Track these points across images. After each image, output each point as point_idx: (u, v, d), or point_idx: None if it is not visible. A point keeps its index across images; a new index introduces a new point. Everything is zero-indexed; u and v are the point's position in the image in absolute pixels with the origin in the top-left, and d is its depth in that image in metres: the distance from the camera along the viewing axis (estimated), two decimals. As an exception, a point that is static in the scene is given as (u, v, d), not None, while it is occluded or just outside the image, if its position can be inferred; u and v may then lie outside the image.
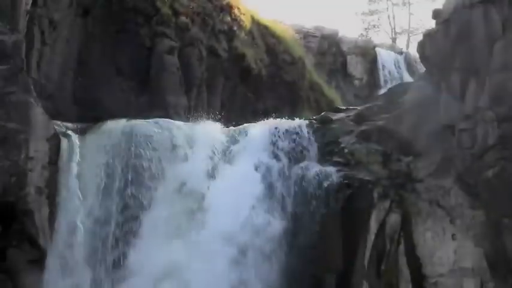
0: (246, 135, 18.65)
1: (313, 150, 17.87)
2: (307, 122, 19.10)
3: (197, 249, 15.98)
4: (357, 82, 43.65)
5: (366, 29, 64.10)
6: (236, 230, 16.19)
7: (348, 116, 19.71)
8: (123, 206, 16.78)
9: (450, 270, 15.44)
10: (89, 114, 20.53)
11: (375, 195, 16.42)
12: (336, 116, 19.79)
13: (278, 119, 19.33)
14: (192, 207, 16.91)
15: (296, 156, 17.70)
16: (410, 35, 62.50)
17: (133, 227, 16.61)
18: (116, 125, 18.03)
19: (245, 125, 19.59)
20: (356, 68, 43.94)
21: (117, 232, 16.52)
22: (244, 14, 28.88)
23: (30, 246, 16.11)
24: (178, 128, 18.51)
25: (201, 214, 16.61)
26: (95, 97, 21.87)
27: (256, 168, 17.41)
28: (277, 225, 16.42)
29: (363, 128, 18.52)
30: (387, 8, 63.67)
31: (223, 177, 17.32)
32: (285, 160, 17.59)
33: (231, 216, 16.29)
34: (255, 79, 28.12)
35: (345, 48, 44.41)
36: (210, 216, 16.44)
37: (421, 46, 18.69)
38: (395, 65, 43.93)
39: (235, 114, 26.37)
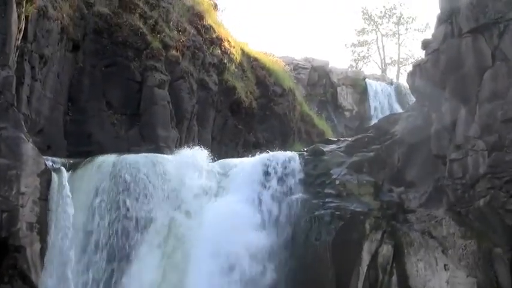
0: (237, 169, 18.63)
1: (305, 182, 17.82)
2: (298, 154, 19.06)
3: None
4: (347, 113, 43.63)
5: (355, 60, 64.62)
6: (223, 272, 16.11)
7: (339, 148, 19.74)
8: (113, 242, 16.68)
9: (443, 301, 15.39)
10: (80, 149, 20.59)
11: (367, 226, 16.37)
12: (327, 148, 19.80)
13: (269, 152, 19.26)
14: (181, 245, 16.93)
15: (287, 188, 17.68)
16: (400, 65, 63.03)
17: (124, 263, 16.52)
18: (106, 160, 17.96)
19: (235, 159, 19.67)
20: (346, 99, 43.95)
21: (107, 267, 16.42)
22: (234, 47, 29.06)
23: (22, 283, 15.96)
24: (168, 162, 18.38)
25: (192, 252, 16.56)
26: (86, 131, 21.92)
27: (247, 201, 17.34)
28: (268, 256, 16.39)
29: (354, 159, 18.53)
30: (376, 39, 64.27)
31: (214, 212, 17.23)
32: (276, 193, 17.56)
33: (220, 252, 16.20)
34: (245, 111, 28.20)
35: (335, 79, 44.38)
36: (199, 252, 16.39)
37: (411, 76, 18.80)
38: (385, 95, 43.98)
39: (226, 146, 26.48)
